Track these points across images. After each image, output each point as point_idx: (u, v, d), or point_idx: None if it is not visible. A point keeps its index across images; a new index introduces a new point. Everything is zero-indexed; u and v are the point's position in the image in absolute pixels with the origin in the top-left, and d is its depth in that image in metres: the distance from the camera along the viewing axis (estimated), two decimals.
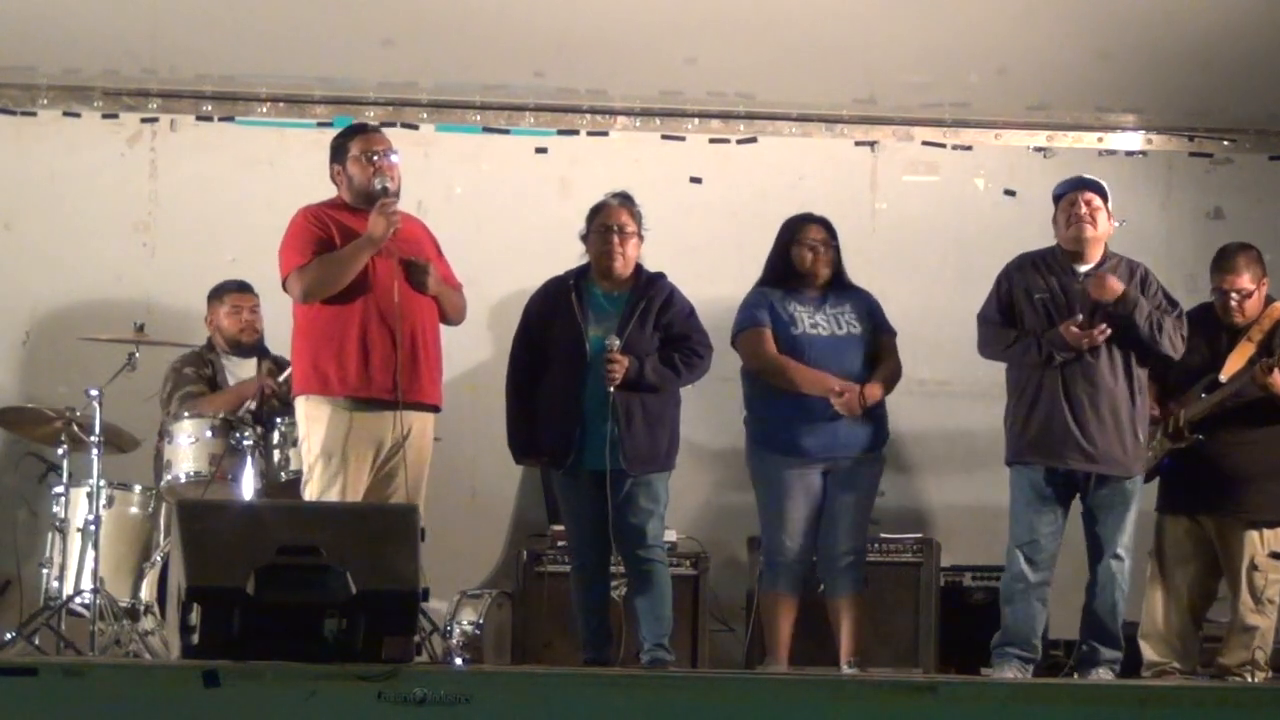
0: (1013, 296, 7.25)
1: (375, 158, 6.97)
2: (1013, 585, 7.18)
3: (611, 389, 7.05)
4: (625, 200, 7.32)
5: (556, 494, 7.36)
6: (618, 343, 7.08)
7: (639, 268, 7.30)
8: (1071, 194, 7.23)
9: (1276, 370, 7.08)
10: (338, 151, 7.07)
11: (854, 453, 7.27)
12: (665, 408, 7.21)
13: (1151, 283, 7.27)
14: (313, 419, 6.89)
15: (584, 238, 7.31)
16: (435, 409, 7.04)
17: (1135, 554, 7.21)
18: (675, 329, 7.24)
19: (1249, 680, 7.08)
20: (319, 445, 6.85)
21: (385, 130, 7.27)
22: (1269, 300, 7.36)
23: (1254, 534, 7.19)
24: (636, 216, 7.28)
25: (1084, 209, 7.19)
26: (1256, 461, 7.21)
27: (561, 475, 7.23)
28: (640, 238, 7.28)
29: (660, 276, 7.33)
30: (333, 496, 6.76)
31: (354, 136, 7.09)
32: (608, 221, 7.25)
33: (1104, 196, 7.25)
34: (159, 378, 8.01)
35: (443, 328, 7.12)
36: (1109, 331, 7.04)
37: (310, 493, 6.86)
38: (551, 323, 7.23)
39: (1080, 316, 7.06)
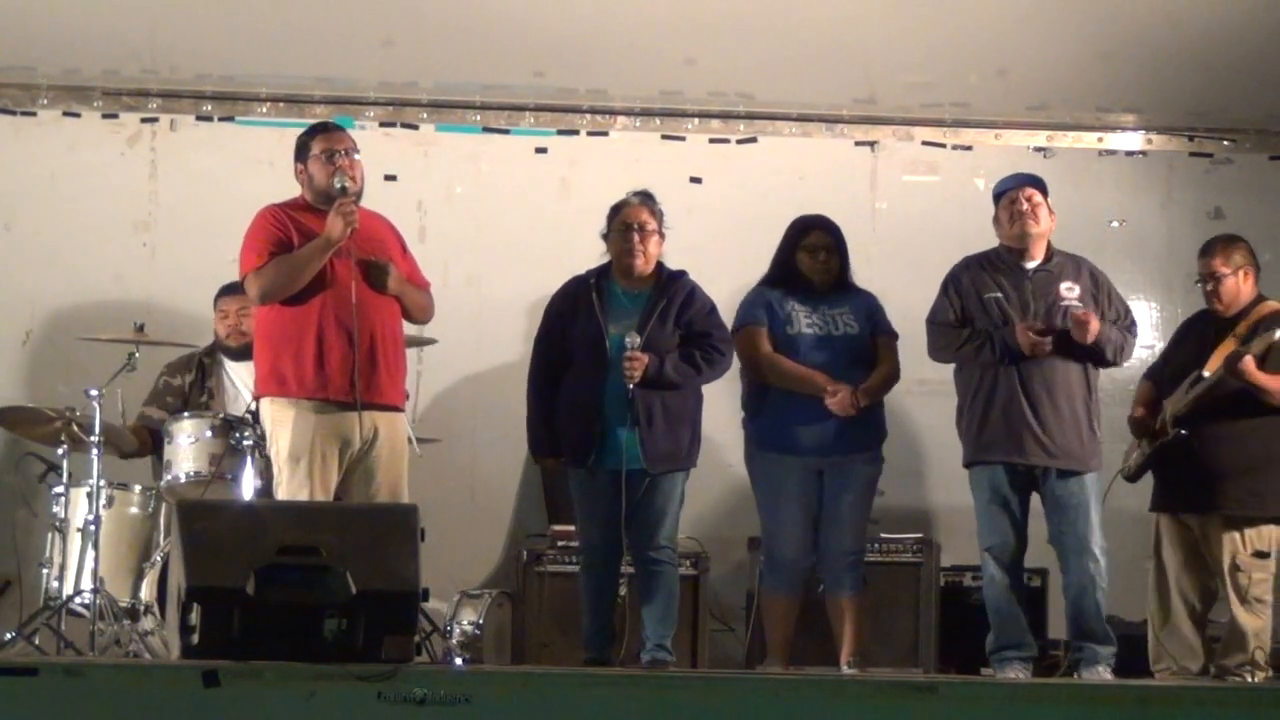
0: (963, 299, 7.29)
1: (336, 157, 6.90)
2: (990, 588, 7.20)
3: (631, 386, 7.04)
4: (646, 199, 7.31)
5: (573, 491, 7.29)
6: (638, 340, 7.07)
7: (660, 265, 7.29)
8: (1012, 191, 7.31)
9: (1248, 359, 7.05)
10: (301, 150, 7.01)
11: (850, 452, 7.26)
12: (686, 405, 7.20)
13: (1103, 284, 7.32)
14: (277, 422, 6.84)
15: (605, 236, 7.31)
16: (396, 409, 6.97)
17: (1110, 552, 7.17)
18: (696, 326, 7.23)
19: (1249, 680, 7.07)
20: (285, 449, 6.80)
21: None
22: (1261, 298, 7.34)
23: (1234, 534, 7.14)
24: (657, 215, 7.28)
25: (1025, 205, 7.27)
26: (1233, 455, 7.14)
27: (580, 473, 7.19)
28: (661, 236, 7.27)
29: (681, 274, 7.31)
30: (303, 499, 6.71)
31: (316, 135, 7.02)
32: (628, 220, 7.24)
33: (1044, 192, 7.33)
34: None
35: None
36: (1050, 347, 7.10)
37: (281, 496, 6.82)
38: (572, 322, 7.21)
39: (1040, 324, 7.10)
